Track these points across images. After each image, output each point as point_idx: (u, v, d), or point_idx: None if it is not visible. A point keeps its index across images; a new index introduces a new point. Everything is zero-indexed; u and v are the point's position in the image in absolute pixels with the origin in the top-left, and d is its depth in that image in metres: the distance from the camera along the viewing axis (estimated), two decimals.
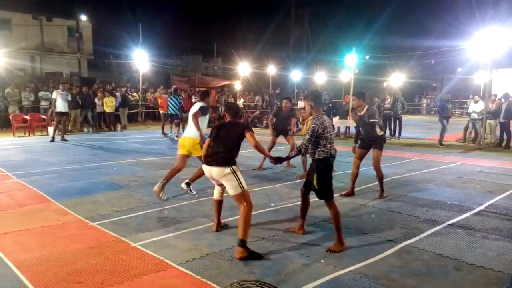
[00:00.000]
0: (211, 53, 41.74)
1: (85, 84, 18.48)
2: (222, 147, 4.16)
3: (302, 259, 3.94)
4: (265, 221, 5.06)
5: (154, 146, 12.10)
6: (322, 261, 3.88)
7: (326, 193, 4.19)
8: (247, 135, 4.23)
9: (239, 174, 4.09)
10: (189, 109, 7.16)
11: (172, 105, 14.34)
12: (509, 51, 16.69)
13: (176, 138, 14.37)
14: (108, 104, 16.27)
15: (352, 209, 5.66)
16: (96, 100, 16.35)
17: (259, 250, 4.05)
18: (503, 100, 12.64)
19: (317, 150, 4.17)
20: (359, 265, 3.79)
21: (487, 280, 3.53)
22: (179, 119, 14.38)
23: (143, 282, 3.43)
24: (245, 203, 4.01)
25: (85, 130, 15.76)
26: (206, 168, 4.23)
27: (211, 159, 4.17)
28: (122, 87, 21.92)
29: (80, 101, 15.76)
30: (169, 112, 14.68)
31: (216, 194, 4.56)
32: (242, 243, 3.88)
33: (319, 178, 4.15)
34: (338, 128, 15.62)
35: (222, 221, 4.78)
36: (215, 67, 40.22)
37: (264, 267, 3.72)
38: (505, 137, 12.37)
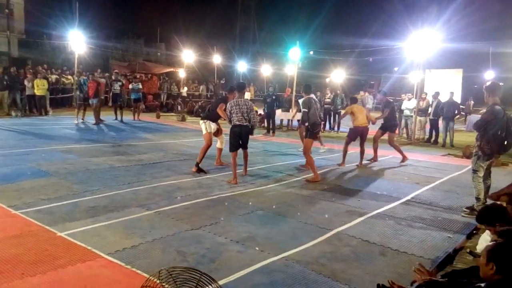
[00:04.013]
0: (154, 38, 40.23)
1: (15, 65, 17.08)
2: (207, 111, 7.76)
3: (237, 246, 3.95)
4: (202, 210, 5.03)
5: (88, 133, 11.53)
6: (257, 248, 3.91)
7: (230, 145, 6.74)
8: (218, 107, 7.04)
9: (206, 125, 7.29)
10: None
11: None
12: (440, 53, 17.85)
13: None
14: (40, 87, 15.21)
15: (287, 198, 5.77)
16: (25, 82, 15.21)
17: (195, 239, 4.05)
18: (433, 99, 13.44)
19: (231, 120, 6.65)
20: (292, 251, 3.88)
21: (409, 264, 3.74)
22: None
23: (68, 272, 3.25)
24: (205, 141, 7.24)
25: (13, 113, 14.63)
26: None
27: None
28: (57, 69, 20.65)
29: (7, 82, 14.59)
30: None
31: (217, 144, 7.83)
32: (196, 163, 7.09)
33: (229, 135, 6.73)
34: (281, 120, 15.80)
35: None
36: (158, 53, 38.89)
37: (198, 256, 3.69)
38: (433, 133, 13.21)
